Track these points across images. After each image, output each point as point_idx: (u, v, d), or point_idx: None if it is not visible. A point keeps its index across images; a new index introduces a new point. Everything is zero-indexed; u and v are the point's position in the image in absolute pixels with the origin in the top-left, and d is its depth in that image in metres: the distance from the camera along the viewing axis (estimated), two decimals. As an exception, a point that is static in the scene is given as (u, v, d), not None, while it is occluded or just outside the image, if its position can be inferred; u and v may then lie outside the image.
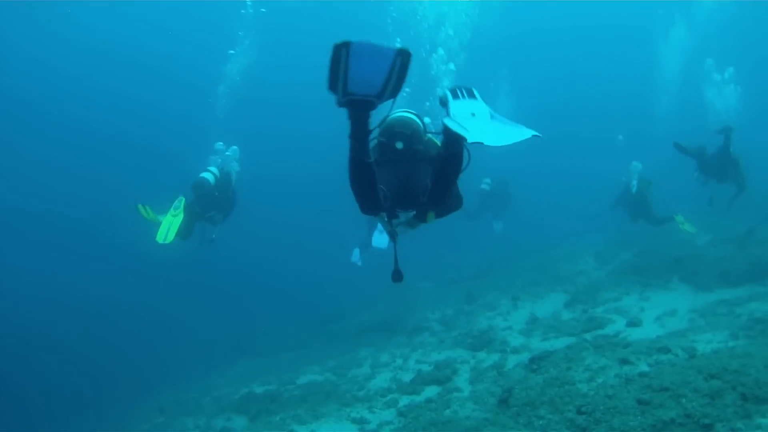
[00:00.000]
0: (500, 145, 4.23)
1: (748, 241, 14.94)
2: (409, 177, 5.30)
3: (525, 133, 4.34)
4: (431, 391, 10.28)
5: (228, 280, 38.05)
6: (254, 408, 12.66)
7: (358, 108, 4.36)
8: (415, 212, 5.65)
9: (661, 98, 37.26)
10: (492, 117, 4.53)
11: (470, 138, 4.24)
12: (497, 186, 22.63)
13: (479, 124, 4.46)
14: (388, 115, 5.32)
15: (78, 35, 44.50)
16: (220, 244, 14.35)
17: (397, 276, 5.64)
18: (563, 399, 7.25)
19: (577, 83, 54.36)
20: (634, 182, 17.04)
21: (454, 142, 4.69)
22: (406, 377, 11.56)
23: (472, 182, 22.12)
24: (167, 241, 11.93)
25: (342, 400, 10.82)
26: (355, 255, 17.62)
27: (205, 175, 13.39)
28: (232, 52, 28.89)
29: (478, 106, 4.54)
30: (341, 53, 3.92)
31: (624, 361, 7.92)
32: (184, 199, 12.52)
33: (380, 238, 15.99)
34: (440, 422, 7.95)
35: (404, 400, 10.08)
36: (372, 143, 5.16)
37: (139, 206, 12.09)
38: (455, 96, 4.58)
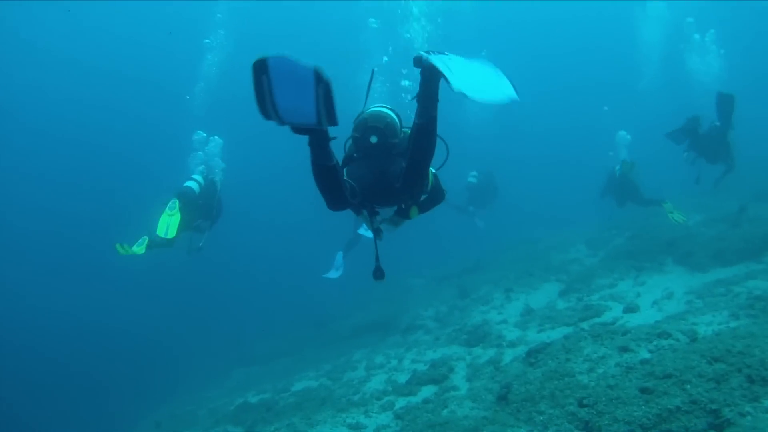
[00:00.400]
0: (472, 96, 4.25)
1: (741, 219, 14.77)
2: (383, 172, 5.25)
3: (504, 94, 4.42)
4: (428, 391, 10.05)
5: (220, 289, 37.92)
6: (249, 418, 12.43)
7: (305, 133, 4.29)
8: (396, 208, 5.68)
9: (645, 71, 37.16)
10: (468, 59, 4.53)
11: (453, 83, 4.23)
12: (484, 178, 22.55)
13: (454, 61, 4.46)
14: (363, 111, 5.30)
15: (41, 41, 44.42)
16: (207, 252, 14.18)
17: (378, 274, 5.65)
18: (564, 392, 7.04)
19: (559, 67, 54.22)
20: (618, 167, 16.94)
21: (427, 108, 4.63)
22: (402, 378, 11.32)
23: (458, 175, 22.02)
24: (169, 236, 12.03)
25: (337, 405, 10.58)
26: (332, 270, 17.47)
27: (190, 183, 13.31)
28: (207, 41, 28.58)
29: (454, 58, 4.54)
30: (261, 78, 3.75)
31: (624, 349, 7.70)
32: (177, 200, 12.47)
33: (333, 272, 16.07)
34: (438, 423, 7.71)
35: (400, 402, 9.84)
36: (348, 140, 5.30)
37: (117, 245, 11.98)
38: (428, 53, 4.54)
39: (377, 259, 5.71)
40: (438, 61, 4.41)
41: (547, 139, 54.95)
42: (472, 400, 8.49)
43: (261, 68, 3.70)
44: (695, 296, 10.33)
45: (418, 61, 4.49)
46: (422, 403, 9.29)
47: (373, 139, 5.16)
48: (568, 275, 15.68)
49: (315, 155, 4.54)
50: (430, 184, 5.65)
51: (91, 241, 37.55)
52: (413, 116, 4.82)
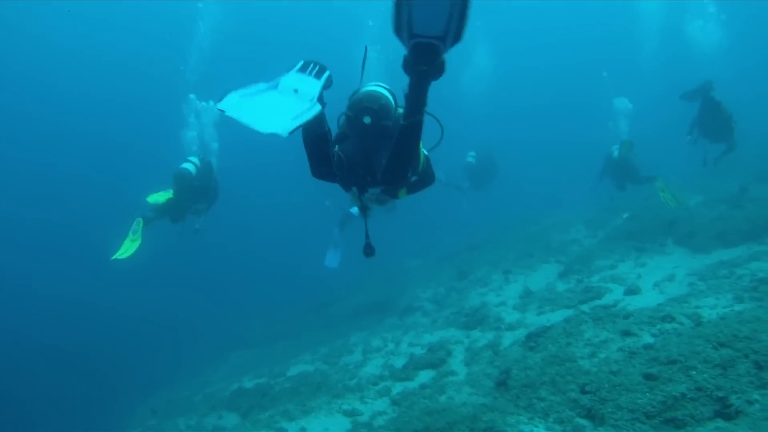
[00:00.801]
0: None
1: (742, 200, 14.59)
2: (372, 152, 5.25)
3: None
4: (425, 375, 9.87)
5: (218, 272, 37.89)
6: (245, 404, 12.27)
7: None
8: (384, 188, 5.59)
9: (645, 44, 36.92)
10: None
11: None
12: (483, 158, 22.49)
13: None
14: (358, 89, 5.22)
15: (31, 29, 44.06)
16: (205, 234, 14.27)
17: (368, 250, 5.72)
18: (565, 378, 6.84)
19: (559, 44, 53.89)
20: (615, 148, 16.84)
21: (413, 112, 4.32)
22: (399, 362, 11.15)
23: (457, 156, 21.96)
24: (121, 258, 12.05)
25: (333, 391, 10.40)
26: (329, 258, 17.37)
27: (186, 165, 13.32)
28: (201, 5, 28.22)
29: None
30: None
31: (626, 333, 7.51)
32: (142, 220, 12.52)
33: (332, 258, 15.99)
34: (436, 410, 7.50)
35: (397, 388, 9.66)
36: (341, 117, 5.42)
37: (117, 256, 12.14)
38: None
39: (367, 236, 5.74)
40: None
41: (545, 118, 54.82)
42: (471, 385, 8.31)
43: None
44: (697, 278, 10.12)
45: (406, 67, 4.09)
46: (419, 388, 9.12)
47: (367, 120, 5.06)
48: (568, 256, 15.52)
49: (308, 129, 4.56)
50: (421, 166, 5.61)
51: (89, 227, 37.55)
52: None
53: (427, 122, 4.58)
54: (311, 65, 4.36)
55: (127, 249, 12.19)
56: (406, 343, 12.60)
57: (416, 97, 4.24)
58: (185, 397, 16.00)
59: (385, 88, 5.38)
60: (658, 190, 15.41)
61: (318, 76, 4.32)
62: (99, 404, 20.23)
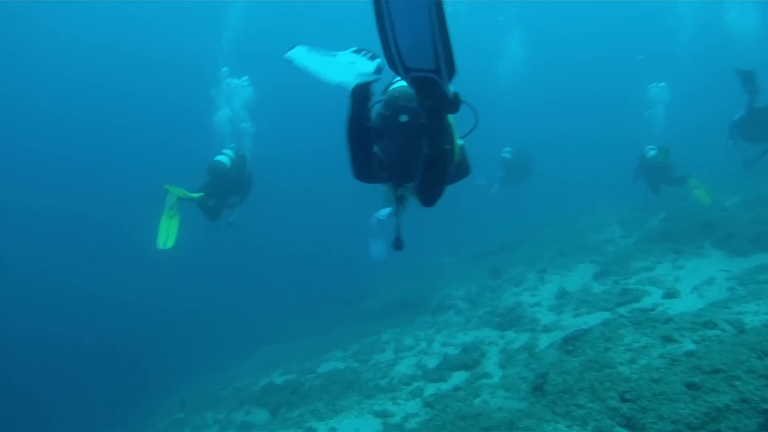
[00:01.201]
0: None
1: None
2: (411, 151, 5.05)
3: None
4: (459, 377, 9.70)
5: (250, 264, 37.90)
6: (274, 400, 12.23)
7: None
8: None
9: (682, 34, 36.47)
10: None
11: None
12: (519, 154, 22.53)
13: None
14: (392, 82, 5.14)
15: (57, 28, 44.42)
16: (238, 227, 14.26)
17: (397, 244, 5.67)
18: (604, 384, 6.67)
19: (593, 38, 53.41)
20: (650, 146, 16.70)
21: (435, 143, 4.39)
22: (432, 362, 10.99)
23: (494, 152, 21.94)
24: (168, 246, 11.95)
25: (364, 390, 10.27)
26: (374, 249, 17.17)
27: (221, 158, 13.38)
28: None
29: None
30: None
31: (667, 339, 7.31)
32: (174, 195, 12.37)
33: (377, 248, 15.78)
34: (470, 415, 7.37)
35: (430, 389, 9.51)
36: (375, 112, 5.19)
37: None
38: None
39: (398, 229, 5.69)
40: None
41: (577, 114, 54.45)
42: (506, 389, 8.16)
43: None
44: (737, 282, 9.94)
45: (420, 93, 4.08)
46: (453, 390, 8.96)
47: (403, 119, 4.99)
48: (604, 257, 15.30)
49: (354, 110, 4.51)
50: (457, 156, 5.50)
51: (122, 220, 37.71)
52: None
53: (463, 109, 4.48)
54: (364, 51, 4.56)
55: (168, 231, 12.08)
56: (439, 342, 12.44)
57: (435, 131, 4.30)
58: (214, 390, 16.02)
59: None
60: (692, 188, 15.28)
61: (371, 59, 4.54)
62: (128, 396, 20.30)
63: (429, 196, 4.89)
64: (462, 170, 5.81)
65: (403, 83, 4.97)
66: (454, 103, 4.13)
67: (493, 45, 42.40)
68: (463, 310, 15.27)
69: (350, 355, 14.35)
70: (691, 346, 6.99)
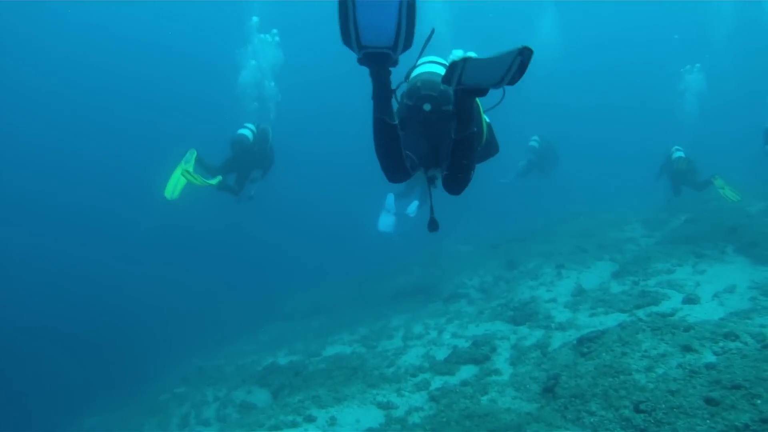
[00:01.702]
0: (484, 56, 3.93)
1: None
2: (438, 138, 5.18)
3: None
4: (467, 371, 9.44)
5: (263, 241, 37.89)
6: (276, 381, 12.02)
7: (376, 63, 4.15)
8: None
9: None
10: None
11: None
12: (545, 144, 22.89)
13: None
14: (413, 67, 5.15)
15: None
16: (256, 202, 14.37)
17: (433, 225, 5.54)
18: (618, 392, 6.41)
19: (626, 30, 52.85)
20: (676, 147, 16.52)
21: (463, 127, 4.43)
22: (440, 354, 10.71)
23: (521, 141, 21.94)
24: (173, 197, 12.11)
25: (368, 379, 10.03)
26: (383, 222, 16.87)
27: (244, 131, 13.48)
28: None
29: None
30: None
31: (687, 348, 7.01)
32: (195, 151, 12.69)
33: (411, 206, 15.45)
34: (476, 414, 7.11)
35: (437, 382, 9.25)
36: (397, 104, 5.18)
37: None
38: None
39: (432, 210, 5.55)
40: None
41: (603, 109, 54.06)
42: (515, 388, 7.90)
43: None
44: (760, 293, 9.62)
45: (448, 80, 4.02)
46: (460, 385, 8.70)
47: (427, 107, 4.92)
48: (623, 255, 14.98)
49: (378, 109, 4.35)
50: (485, 136, 5.52)
51: (134, 192, 37.69)
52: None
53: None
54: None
55: (176, 184, 12.19)
56: (449, 332, 12.18)
57: (463, 115, 4.37)
58: (217, 366, 15.88)
59: (442, 64, 5.18)
60: (718, 188, 15.11)
61: None
62: (132, 368, 20.19)
63: (457, 183, 4.89)
64: (490, 148, 5.81)
65: (424, 69, 5.09)
66: (486, 91, 4.15)
67: (526, 27, 42.28)
68: (476, 300, 15.06)
69: (357, 339, 14.16)
70: (712, 358, 6.70)
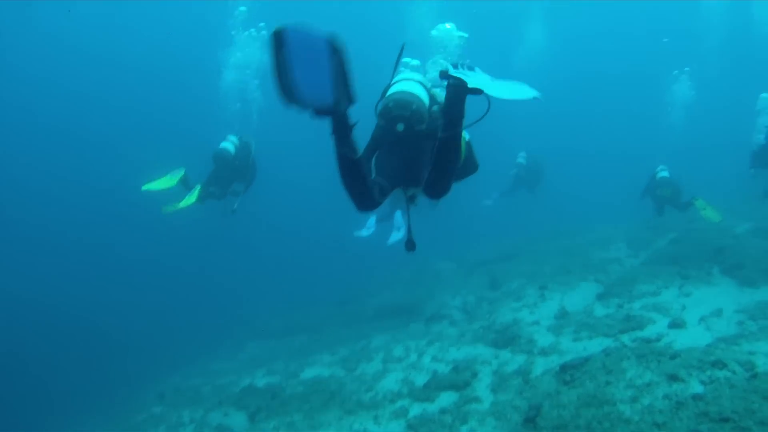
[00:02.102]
0: (500, 97, 4.17)
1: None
2: (413, 158, 5.19)
3: (527, 92, 4.19)
4: (447, 398, 9.20)
5: (243, 258, 37.74)
6: (253, 404, 11.80)
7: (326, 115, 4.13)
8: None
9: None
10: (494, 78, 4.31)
11: (470, 83, 4.18)
12: (532, 161, 22.89)
13: (480, 78, 4.27)
14: (389, 85, 5.13)
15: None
16: (240, 216, 14.23)
17: (410, 245, 5.56)
18: (602, 424, 6.18)
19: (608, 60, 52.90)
20: (661, 166, 16.49)
21: (450, 124, 4.43)
22: (420, 379, 10.50)
23: (508, 158, 21.86)
24: (148, 189, 12.75)
25: (346, 405, 9.81)
26: (361, 230, 16.83)
27: (225, 144, 13.43)
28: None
29: (479, 75, 4.32)
30: (279, 53, 3.46)
31: (673, 378, 6.77)
32: (183, 170, 13.00)
33: (395, 236, 15.36)
34: (455, 446, 6.90)
35: (415, 409, 9.03)
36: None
37: (163, 209, 12.69)
38: (455, 68, 4.33)
39: (409, 231, 5.60)
40: (457, 73, 4.27)
41: (593, 132, 54.09)
42: (496, 417, 7.67)
43: (279, 41, 3.38)
44: (747, 317, 9.41)
45: (445, 75, 4.29)
46: (439, 413, 8.48)
47: (400, 128, 5.01)
48: (608, 276, 14.81)
49: (338, 145, 4.34)
50: (463, 153, 5.39)
51: (115, 207, 37.55)
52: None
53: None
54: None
55: (156, 186, 12.66)
56: (430, 356, 11.93)
57: (453, 113, 4.40)
58: (194, 387, 15.65)
59: (417, 81, 5.22)
60: (699, 209, 15.00)
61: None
62: (108, 385, 19.93)
63: (439, 185, 4.78)
64: (469, 166, 5.75)
65: (397, 89, 5.11)
66: (473, 89, 4.22)
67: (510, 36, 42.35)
68: (458, 321, 14.88)
69: (337, 360, 13.94)
70: (699, 388, 6.46)
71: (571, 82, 50.65)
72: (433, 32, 11.22)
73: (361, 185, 4.61)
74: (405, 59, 5.62)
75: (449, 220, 21.35)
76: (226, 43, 17.82)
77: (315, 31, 3.51)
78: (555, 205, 30.85)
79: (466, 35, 10.80)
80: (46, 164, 48.73)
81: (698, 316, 9.94)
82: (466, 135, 5.58)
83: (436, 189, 4.80)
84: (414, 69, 7.00)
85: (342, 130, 4.24)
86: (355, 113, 4.28)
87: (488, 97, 4.83)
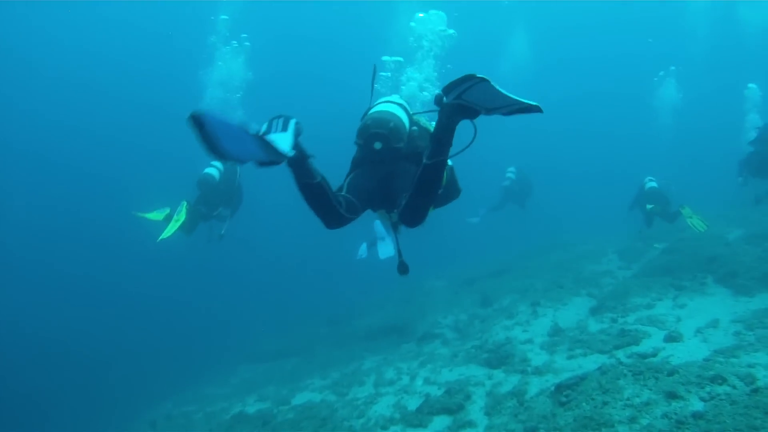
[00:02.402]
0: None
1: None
2: (388, 180, 5.09)
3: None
4: (440, 423, 8.98)
5: (233, 281, 37.59)
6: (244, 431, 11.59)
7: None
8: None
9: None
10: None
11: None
12: (521, 176, 22.75)
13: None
14: (369, 108, 5.21)
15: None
16: (228, 240, 13.84)
17: (402, 268, 5.48)
18: (601, 449, 5.96)
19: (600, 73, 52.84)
20: (649, 177, 16.42)
21: (437, 151, 4.18)
22: (412, 403, 10.29)
23: (496, 174, 21.79)
24: (138, 215, 12.63)
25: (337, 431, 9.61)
26: (362, 250, 16.72)
27: (210, 170, 13.22)
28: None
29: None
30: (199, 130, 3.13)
31: (672, 395, 6.57)
32: (186, 203, 12.62)
33: (385, 248, 15.17)
34: (449, 475, 6.67)
35: (407, 435, 8.83)
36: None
37: (136, 213, 12.64)
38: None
39: (400, 254, 5.53)
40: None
41: (582, 144, 54.08)
42: (491, 443, 7.46)
43: (196, 123, 3.08)
44: (744, 326, 9.20)
45: (439, 100, 4.03)
46: (431, 439, 8.28)
47: (377, 146, 4.95)
48: (600, 290, 14.62)
49: (296, 175, 4.31)
50: (445, 178, 4.96)
51: (100, 233, 37.32)
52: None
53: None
54: (274, 122, 4.06)
55: (152, 216, 12.62)
56: (422, 378, 11.77)
57: (442, 138, 4.15)
58: (186, 414, 15.56)
59: (397, 103, 5.22)
60: (686, 217, 14.89)
61: (284, 128, 4.02)
62: (103, 412, 19.79)
63: (416, 212, 4.57)
64: (452, 192, 5.64)
65: (377, 109, 5.12)
66: (472, 112, 3.98)
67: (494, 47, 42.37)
68: (450, 340, 14.71)
69: (328, 385, 13.79)
70: (699, 406, 6.26)
71: (555, 90, 50.66)
72: (412, 24, 11.05)
73: (327, 205, 4.52)
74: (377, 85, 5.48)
75: (438, 237, 21.25)
76: (207, 59, 17.64)
77: (232, 120, 3.31)
78: (544, 219, 30.78)
79: (451, 32, 10.65)
80: (29, 194, 48.54)
81: (694, 327, 9.74)
82: (449, 161, 5.36)
83: (413, 216, 4.61)
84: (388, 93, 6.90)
85: (297, 163, 4.21)
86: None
87: (474, 125, 4.74)
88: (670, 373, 7.15)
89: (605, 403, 6.83)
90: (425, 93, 10.10)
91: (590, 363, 9.23)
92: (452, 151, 5.01)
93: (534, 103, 3.58)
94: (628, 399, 6.80)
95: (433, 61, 11.23)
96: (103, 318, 31.87)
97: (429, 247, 21.53)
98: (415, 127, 5.23)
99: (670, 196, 16.47)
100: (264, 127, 3.98)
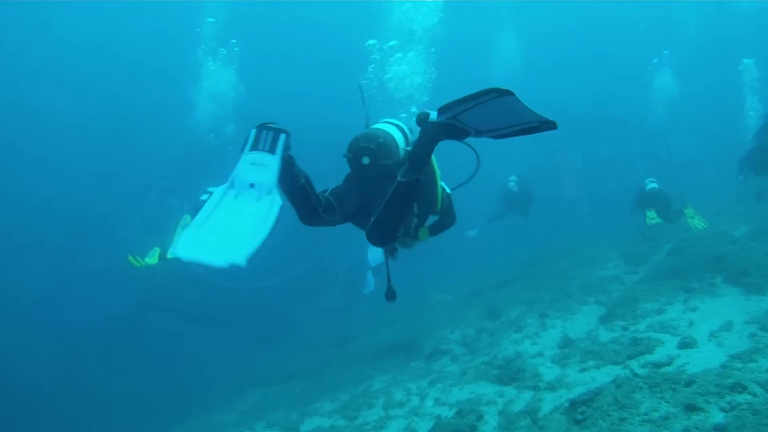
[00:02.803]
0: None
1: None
2: (370, 197, 5.08)
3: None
4: (452, 446, 8.76)
5: (238, 303, 37.40)
6: (252, 465, 11.44)
7: None
8: (404, 230, 5.36)
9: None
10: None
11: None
12: (523, 184, 22.72)
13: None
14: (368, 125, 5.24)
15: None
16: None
17: (389, 295, 5.53)
18: (621, 470, 5.72)
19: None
20: (649, 179, 16.31)
21: (412, 169, 4.26)
22: (423, 426, 10.08)
23: (497, 180, 21.98)
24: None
25: (346, 462, 9.42)
26: (369, 282, 16.61)
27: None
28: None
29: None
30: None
31: (691, 408, 6.31)
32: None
33: (374, 254, 15.08)
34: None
35: (419, 463, 8.61)
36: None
37: (129, 257, 12.48)
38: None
39: (389, 280, 5.54)
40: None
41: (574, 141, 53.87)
42: (506, 466, 7.22)
43: None
44: (759, 327, 8.95)
45: (423, 120, 4.22)
46: (445, 466, 8.04)
47: (365, 160, 4.92)
48: (609, 297, 14.37)
49: (281, 180, 4.21)
50: (440, 204, 5.45)
51: (96, 249, 37.09)
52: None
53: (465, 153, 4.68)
54: (264, 134, 4.10)
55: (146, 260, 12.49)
56: (432, 398, 11.55)
57: (416, 158, 4.25)
58: (193, 442, 15.32)
59: (393, 124, 5.23)
60: (688, 217, 14.96)
61: (272, 148, 4.07)
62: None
63: (381, 229, 4.56)
64: (447, 219, 5.71)
65: (374, 125, 5.20)
66: (460, 133, 4.09)
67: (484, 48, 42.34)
68: (459, 356, 14.48)
69: (338, 408, 13.57)
70: (720, 417, 6.02)
71: (548, 85, 50.56)
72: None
73: (305, 204, 4.60)
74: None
75: (440, 250, 21.13)
76: (195, 74, 17.45)
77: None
78: (546, 226, 30.65)
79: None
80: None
81: (707, 331, 9.50)
82: (446, 188, 5.55)
83: (379, 233, 4.57)
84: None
85: (283, 171, 4.16)
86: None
87: (476, 152, 5.06)
88: (688, 384, 6.90)
89: (622, 420, 6.59)
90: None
91: (604, 375, 8.99)
92: (456, 182, 5.34)
93: (551, 119, 3.54)
94: (645, 414, 6.56)
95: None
96: (110, 347, 31.66)
97: (432, 261, 21.34)
98: (410, 148, 4.93)
99: (670, 196, 16.34)
100: (251, 138, 4.04)
